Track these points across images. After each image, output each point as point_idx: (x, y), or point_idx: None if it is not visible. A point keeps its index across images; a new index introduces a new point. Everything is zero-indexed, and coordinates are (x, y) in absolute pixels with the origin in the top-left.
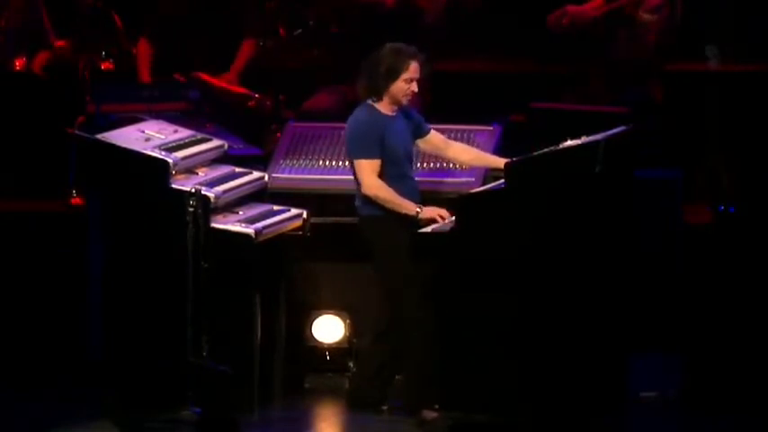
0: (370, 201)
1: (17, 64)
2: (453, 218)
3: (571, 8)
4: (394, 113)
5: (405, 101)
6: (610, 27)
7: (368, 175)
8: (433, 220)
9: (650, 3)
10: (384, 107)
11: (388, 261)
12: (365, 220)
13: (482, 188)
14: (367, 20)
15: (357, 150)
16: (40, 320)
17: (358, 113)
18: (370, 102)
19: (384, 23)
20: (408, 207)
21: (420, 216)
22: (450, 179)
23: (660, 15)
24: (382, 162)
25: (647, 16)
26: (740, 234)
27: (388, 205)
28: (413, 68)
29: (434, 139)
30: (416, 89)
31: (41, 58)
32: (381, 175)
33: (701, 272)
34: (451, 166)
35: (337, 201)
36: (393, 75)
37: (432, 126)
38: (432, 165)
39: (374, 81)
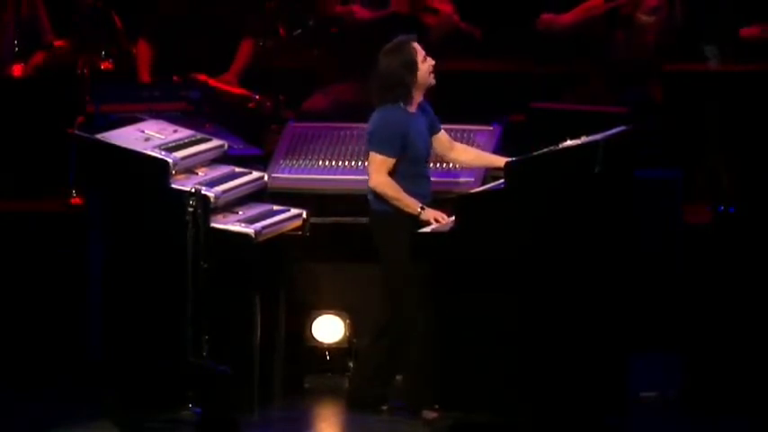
0: (380, 197)
1: (15, 70)
2: (453, 219)
3: (546, 16)
4: (415, 111)
5: (432, 78)
6: (608, 28)
7: (377, 170)
8: (433, 221)
9: (648, 4)
10: (413, 102)
11: (390, 260)
12: (375, 217)
13: (482, 188)
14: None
15: (375, 143)
16: (40, 320)
17: (386, 110)
18: (392, 103)
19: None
20: (412, 206)
21: (421, 217)
22: (450, 179)
23: (658, 17)
24: (404, 160)
25: (644, 18)
26: (740, 234)
27: (393, 202)
28: (418, 49)
29: (443, 139)
30: (433, 61)
31: (37, 58)
32: (400, 173)
33: (701, 272)
34: (451, 166)
35: (337, 201)
36: (412, 66)
37: None
38: (431, 165)
39: (399, 85)
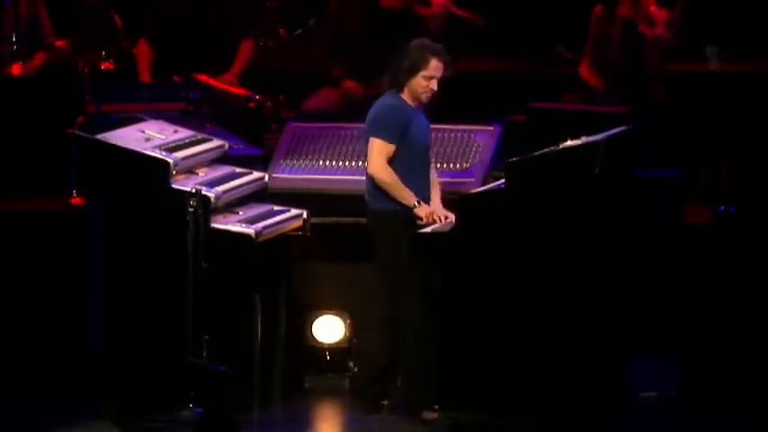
0: (379, 194)
1: (15, 70)
2: (450, 219)
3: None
4: (416, 108)
5: (424, 98)
6: (609, 30)
7: (377, 155)
8: (431, 219)
9: (660, 17)
10: (408, 99)
11: (390, 260)
12: (374, 215)
13: (482, 188)
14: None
15: (376, 129)
16: (40, 320)
17: (386, 98)
18: (395, 92)
19: (386, 28)
20: (408, 197)
21: (416, 210)
22: (450, 179)
23: (669, 31)
24: (406, 151)
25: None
26: (740, 234)
27: (389, 189)
28: (433, 66)
29: None
30: (436, 87)
31: (38, 58)
32: (401, 165)
33: (701, 272)
34: (452, 166)
35: (337, 201)
36: (413, 70)
37: (432, 126)
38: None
39: (396, 74)
